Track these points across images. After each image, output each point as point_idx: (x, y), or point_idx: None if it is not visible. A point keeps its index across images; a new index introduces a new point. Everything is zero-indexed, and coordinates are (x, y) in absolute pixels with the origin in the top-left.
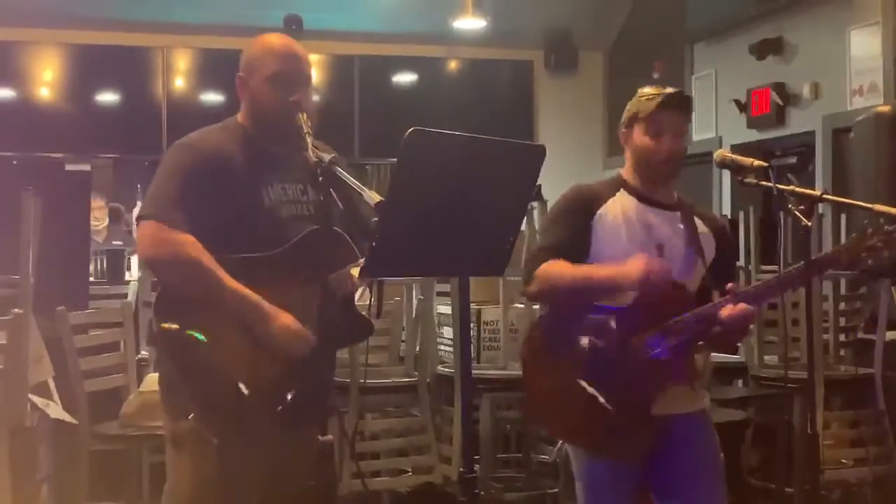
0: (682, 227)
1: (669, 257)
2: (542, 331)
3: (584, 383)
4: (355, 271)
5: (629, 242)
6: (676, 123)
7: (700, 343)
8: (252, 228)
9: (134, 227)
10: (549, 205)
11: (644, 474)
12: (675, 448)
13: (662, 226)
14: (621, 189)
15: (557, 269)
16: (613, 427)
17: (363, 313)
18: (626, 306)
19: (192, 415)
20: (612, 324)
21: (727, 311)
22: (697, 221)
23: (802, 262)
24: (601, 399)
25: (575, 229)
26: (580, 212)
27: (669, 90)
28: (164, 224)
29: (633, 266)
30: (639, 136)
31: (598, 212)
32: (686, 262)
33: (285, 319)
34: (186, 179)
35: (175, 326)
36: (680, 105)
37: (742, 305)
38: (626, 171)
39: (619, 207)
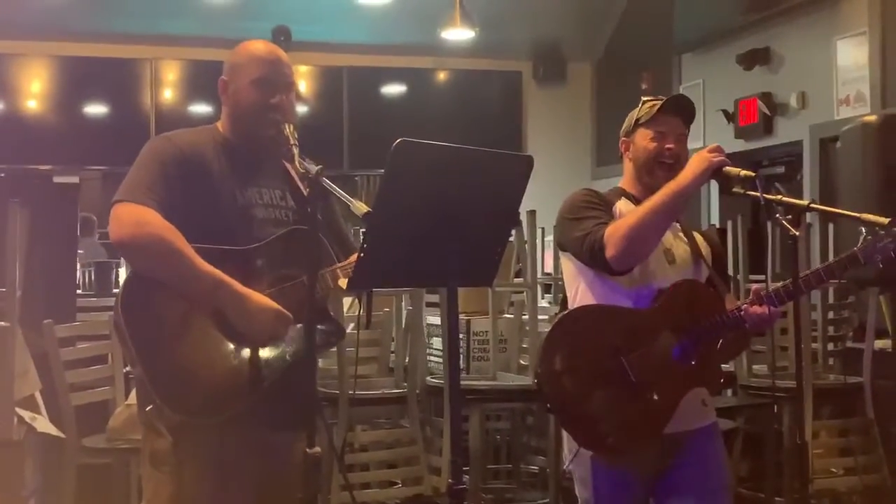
0: (682, 235)
1: (678, 262)
2: (564, 328)
3: (624, 362)
4: (343, 283)
5: None
6: (678, 127)
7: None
8: (225, 226)
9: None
10: (537, 214)
11: (651, 488)
12: (684, 463)
13: (667, 232)
14: (622, 198)
15: (620, 220)
16: (635, 428)
17: (336, 319)
18: (656, 306)
19: (150, 407)
20: (640, 322)
21: (755, 309)
22: (696, 235)
23: (824, 264)
24: (632, 376)
25: (605, 216)
26: (603, 206)
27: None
28: (136, 204)
29: (695, 162)
30: (642, 140)
31: (611, 214)
32: (695, 266)
33: (262, 299)
34: (161, 169)
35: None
36: (681, 108)
37: (766, 307)
38: (624, 183)
39: (622, 215)
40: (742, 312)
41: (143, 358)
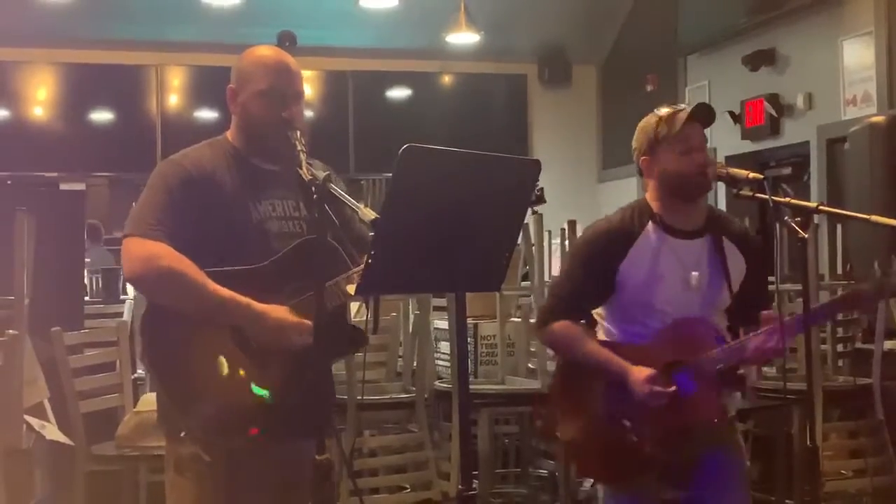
0: (708, 254)
1: (697, 286)
2: (570, 368)
3: (625, 423)
4: (351, 288)
5: (660, 280)
6: (702, 136)
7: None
8: (240, 243)
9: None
10: (544, 217)
11: None
12: (701, 481)
13: (690, 255)
14: (650, 222)
15: (570, 337)
16: (643, 466)
17: (357, 326)
18: (651, 342)
19: (183, 433)
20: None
21: (756, 342)
22: (727, 245)
23: (839, 296)
24: (633, 437)
25: (598, 276)
26: (605, 258)
27: (686, 106)
28: (144, 239)
29: (638, 379)
30: (669, 159)
31: (627, 255)
32: (713, 291)
33: (279, 313)
34: (169, 195)
35: None
36: (708, 116)
37: (772, 345)
38: (652, 199)
39: (646, 244)
40: (743, 345)
41: (169, 387)
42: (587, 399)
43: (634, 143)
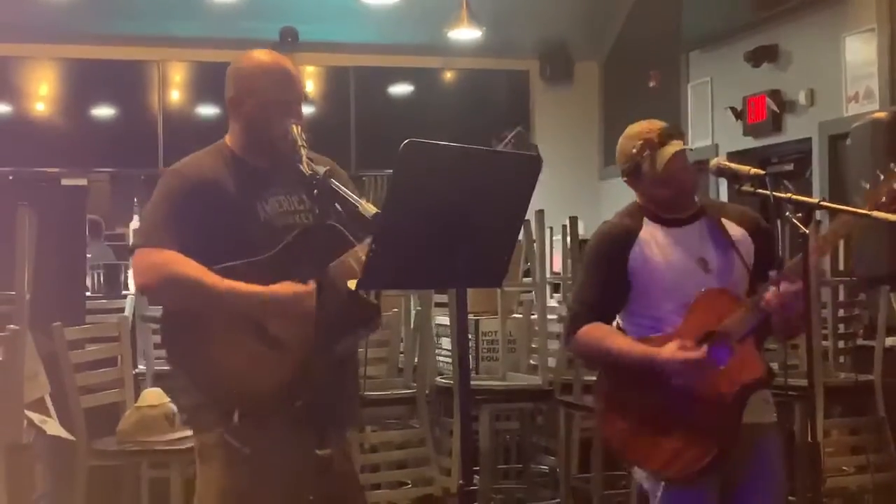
0: (710, 234)
1: (711, 268)
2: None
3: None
4: (352, 284)
5: (671, 268)
6: (684, 157)
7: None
8: (251, 243)
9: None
10: (545, 213)
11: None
12: (750, 481)
13: (692, 239)
14: (644, 218)
15: (595, 339)
16: (704, 450)
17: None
18: (679, 328)
19: (219, 430)
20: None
21: (769, 295)
22: (727, 223)
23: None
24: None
25: (610, 277)
26: (612, 258)
27: (663, 129)
28: (150, 249)
29: (668, 356)
30: (653, 186)
31: (632, 250)
32: (725, 268)
33: (282, 289)
34: (173, 203)
35: None
36: (683, 137)
37: (784, 285)
38: (641, 202)
39: (649, 237)
40: (763, 303)
41: (199, 383)
42: (639, 397)
43: (618, 159)
